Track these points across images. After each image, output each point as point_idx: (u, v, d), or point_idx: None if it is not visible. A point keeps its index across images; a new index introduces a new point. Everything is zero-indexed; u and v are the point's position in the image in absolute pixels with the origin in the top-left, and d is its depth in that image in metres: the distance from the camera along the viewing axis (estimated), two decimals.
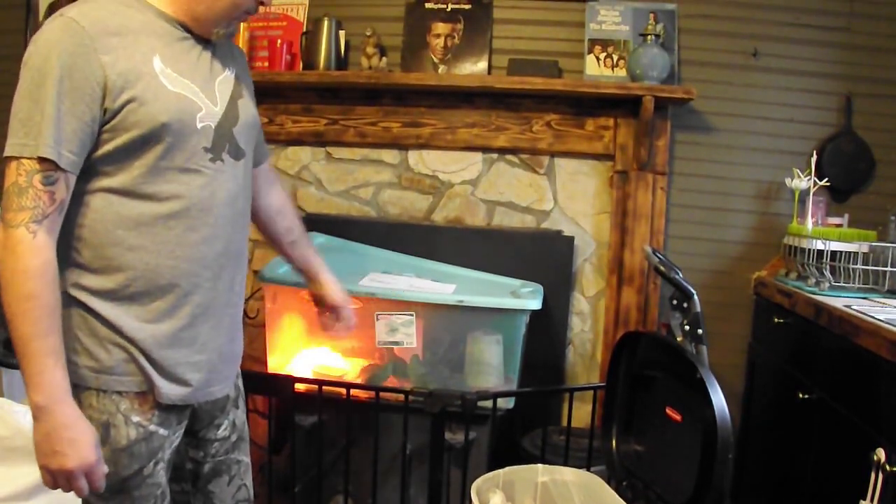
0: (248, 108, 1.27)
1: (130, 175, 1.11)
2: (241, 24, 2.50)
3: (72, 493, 1.11)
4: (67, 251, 1.12)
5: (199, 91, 1.16)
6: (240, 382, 1.40)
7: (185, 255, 1.16)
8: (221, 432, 1.32)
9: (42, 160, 1.03)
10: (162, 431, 1.18)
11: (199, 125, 1.15)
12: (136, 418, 1.15)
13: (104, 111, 1.07)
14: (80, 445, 1.06)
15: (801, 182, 2.27)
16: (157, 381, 1.16)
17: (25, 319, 1.03)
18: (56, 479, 1.08)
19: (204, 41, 1.21)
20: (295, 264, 1.57)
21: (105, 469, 1.11)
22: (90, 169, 1.10)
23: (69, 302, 1.12)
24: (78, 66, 1.04)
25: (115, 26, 1.09)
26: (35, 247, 1.04)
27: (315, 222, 2.49)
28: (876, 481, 1.45)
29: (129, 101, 1.08)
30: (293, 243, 1.54)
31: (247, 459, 1.40)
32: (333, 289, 1.57)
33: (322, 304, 1.59)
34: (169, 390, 1.17)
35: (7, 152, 1.05)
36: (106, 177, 1.11)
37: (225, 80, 1.23)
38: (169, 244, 1.14)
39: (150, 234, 1.13)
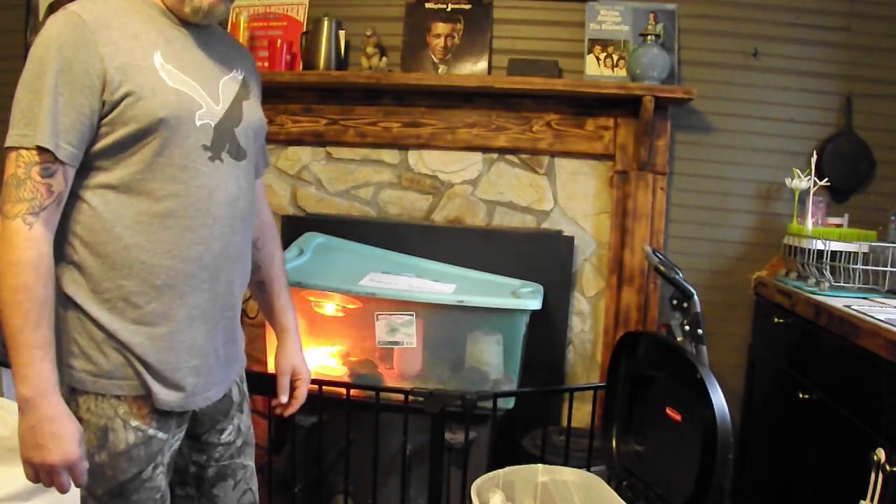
0: (253, 110, 1.27)
1: (128, 171, 1.10)
2: (242, 23, 2.50)
3: (71, 495, 1.10)
4: (64, 250, 1.11)
5: (201, 89, 1.15)
6: (244, 387, 1.39)
7: (181, 255, 1.14)
8: (226, 437, 1.31)
9: (40, 151, 1.03)
10: (161, 435, 1.17)
11: (197, 122, 1.13)
12: (134, 422, 1.14)
13: (103, 103, 1.07)
14: (63, 440, 1.04)
15: (801, 182, 2.27)
16: (154, 386, 1.14)
17: (16, 311, 1.02)
18: (38, 472, 1.06)
19: (206, 36, 1.20)
20: (263, 311, 1.47)
21: (87, 465, 1.09)
22: (89, 164, 1.09)
23: (66, 304, 1.11)
24: (78, 59, 1.04)
25: (118, 21, 1.09)
26: (30, 239, 1.03)
27: (315, 222, 2.50)
28: (876, 481, 1.44)
29: (126, 95, 1.07)
30: (261, 284, 1.43)
31: (252, 465, 1.39)
32: (292, 354, 1.45)
33: (277, 369, 1.45)
34: (166, 396, 1.15)
35: (7, 142, 1.05)
36: (104, 172, 1.10)
37: (231, 80, 1.23)
38: (166, 243, 1.13)
39: (147, 233, 1.11)
